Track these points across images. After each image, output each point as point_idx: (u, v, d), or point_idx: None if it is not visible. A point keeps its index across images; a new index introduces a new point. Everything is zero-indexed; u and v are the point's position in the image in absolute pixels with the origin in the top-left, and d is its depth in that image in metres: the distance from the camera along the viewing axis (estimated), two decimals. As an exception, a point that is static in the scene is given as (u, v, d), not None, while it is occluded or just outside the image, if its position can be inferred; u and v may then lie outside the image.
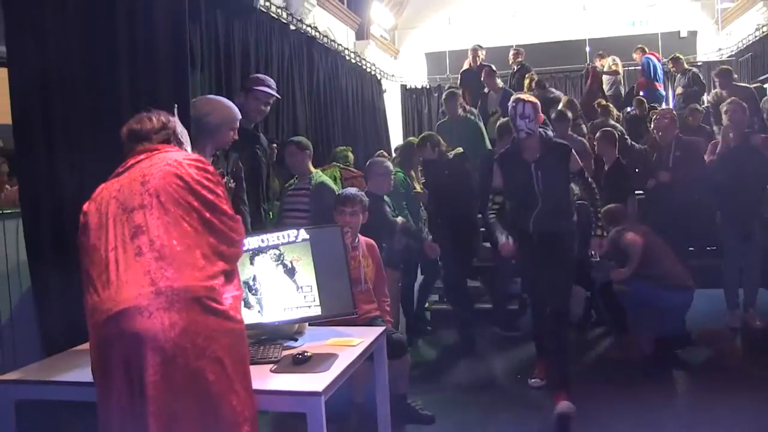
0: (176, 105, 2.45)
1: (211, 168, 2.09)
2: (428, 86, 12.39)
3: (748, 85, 7.41)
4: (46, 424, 2.71)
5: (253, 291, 2.70)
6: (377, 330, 2.86)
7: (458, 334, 5.48)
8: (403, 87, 12.18)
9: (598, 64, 9.58)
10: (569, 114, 6.12)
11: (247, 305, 2.68)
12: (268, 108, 4.04)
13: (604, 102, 7.49)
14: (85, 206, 2.05)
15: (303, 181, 4.77)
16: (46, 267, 3.01)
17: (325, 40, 8.29)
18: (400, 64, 13.02)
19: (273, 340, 2.73)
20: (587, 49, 12.55)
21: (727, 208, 5.32)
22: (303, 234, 2.75)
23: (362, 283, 3.79)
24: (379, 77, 10.85)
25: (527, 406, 4.10)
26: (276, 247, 2.74)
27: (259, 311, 2.69)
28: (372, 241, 3.96)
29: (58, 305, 2.93)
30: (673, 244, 4.77)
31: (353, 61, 9.48)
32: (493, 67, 8.50)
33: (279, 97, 4.26)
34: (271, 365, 2.38)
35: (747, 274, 5.32)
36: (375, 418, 2.94)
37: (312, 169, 4.85)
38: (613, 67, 9.37)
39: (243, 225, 2.16)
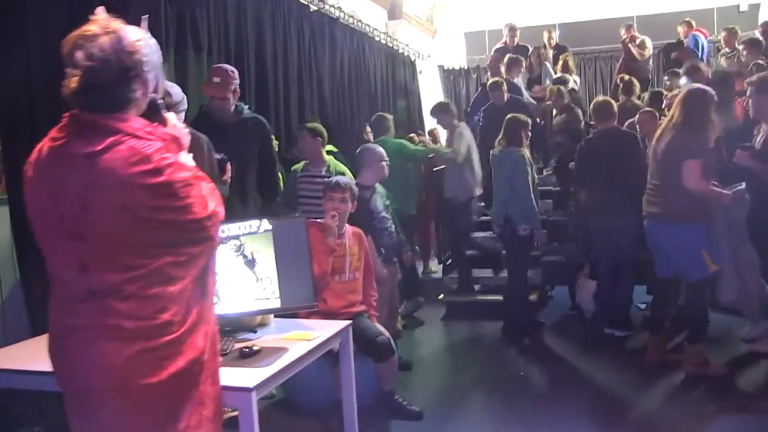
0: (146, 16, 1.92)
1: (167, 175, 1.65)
2: (467, 67, 12.24)
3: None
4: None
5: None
6: (340, 324, 2.86)
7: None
8: (441, 68, 12.05)
9: (625, 36, 9.16)
10: None
11: (205, 296, 2.71)
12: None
13: (627, 77, 7.17)
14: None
15: (316, 168, 4.83)
16: (34, 257, 3.13)
17: (351, 20, 8.25)
18: (438, 44, 12.86)
19: (234, 332, 2.77)
20: (635, 26, 12.13)
21: None
22: (265, 224, 2.77)
23: (346, 272, 3.79)
24: (413, 58, 10.76)
25: (522, 401, 4.05)
26: (237, 237, 2.76)
27: (216, 302, 2.72)
28: (360, 231, 3.95)
29: (45, 294, 3.05)
30: None
31: (383, 42, 9.42)
32: (520, 57, 8.19)
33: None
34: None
35: None
36: (363, 414, 2.98)
37: (326, 156, 4.91)
38: (640, 53, 8.91)
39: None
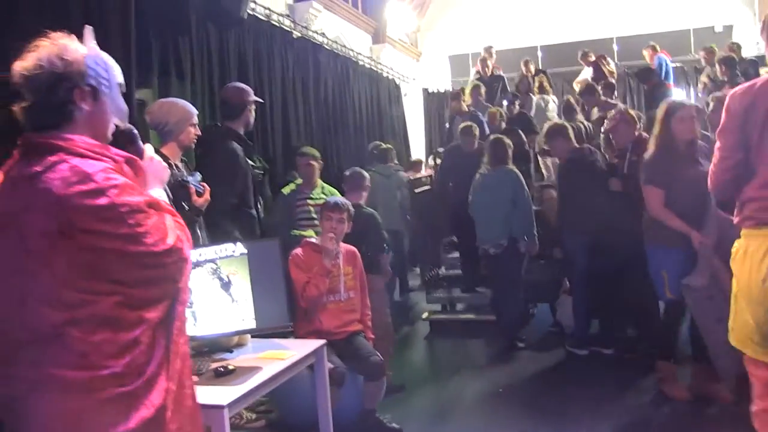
0: (90, 27, 1.73)
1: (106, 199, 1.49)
2: (451, 89, 12.39)
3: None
4: None
5: (189, 304, 2.81)
6: (315, 343, 2.94)
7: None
8: (425, 90, 12.23)
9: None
10: None
11: (182, 318, 2.80)
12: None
13: (572, 99, 7.65)
14: None
15: (310, 190, 5.07)
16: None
17: (334, 45, 8.41)
18: (423, 68, 13.08)
19: (212, 352, 2.85)
20: (615, 47, 12.40)
21: None
22: (241, 248, 2.87)
23: (341, 292, 3.89)
24: (397, 81, 10.94)
25: (503, 419, 4.12)
26: (213, 261, 2.86)
27: (193, 323, 2.81)
28: (354, 249, 4.05)
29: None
30: None
31: (368, 65, 9.59)
32: (459, 90, 8.77)
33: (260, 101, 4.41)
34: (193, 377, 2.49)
35: None
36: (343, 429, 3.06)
37: (318, 180, 5.17)
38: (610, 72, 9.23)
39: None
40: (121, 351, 1.49)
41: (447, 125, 8.98)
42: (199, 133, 3.51)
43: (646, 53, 9.64)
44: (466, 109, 8.16)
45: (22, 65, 1.54)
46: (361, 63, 9.29)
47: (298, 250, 3.84)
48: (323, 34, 8.11)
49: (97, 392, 1.47)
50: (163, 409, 1.55)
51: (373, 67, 9.85)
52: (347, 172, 4.97)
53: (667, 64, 9.20)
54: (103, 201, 1.47)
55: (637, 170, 4.26)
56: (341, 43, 8.94)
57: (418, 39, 13.25)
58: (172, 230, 1.59)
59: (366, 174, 4.89)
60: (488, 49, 9.83)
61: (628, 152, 4.69)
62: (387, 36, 11.31)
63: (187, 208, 3.39)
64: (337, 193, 4.93)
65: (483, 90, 8.70)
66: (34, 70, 1.53)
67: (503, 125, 7.49)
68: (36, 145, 1.53)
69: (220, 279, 2.84)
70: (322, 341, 3.00)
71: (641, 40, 10.87)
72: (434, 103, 12.21)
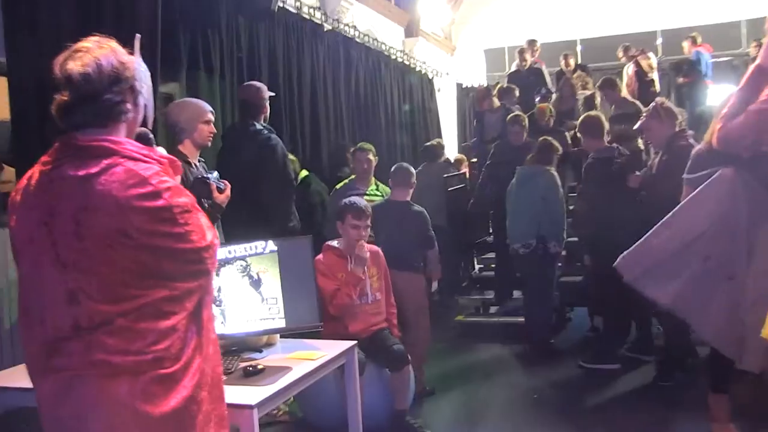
0: (139, 35, 1.86)
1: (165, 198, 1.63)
2: (486, 84, 12.34)
3: None
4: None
5: (217, 302, 2.86)
6: (346, 344, 2.97)
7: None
8: (459, 86, 12.20)
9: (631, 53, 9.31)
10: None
11: (211, 316, 2.85)
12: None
13: (597, 95, 7.58)
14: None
15: (365, 187, 5.19)
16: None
17: (366, 39, 8.44)
18: (457, 62, 13.03)
19: (241, 351, 2.90)
20: (659, 41, 12.22)
21: None
22: (271, 245, 2.91)
23: (368, 295, 3.93)
24: (431, 76, 10.93)
25: (536, 427, 4.11)
26: (243, 258, 2.90)
27: (222, 322, 2.86)
28: (377, 248, 4.09)
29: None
30: None
31: (400, 60, 9.60)
32: (490, 88, 8.69)
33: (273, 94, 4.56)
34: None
35: None
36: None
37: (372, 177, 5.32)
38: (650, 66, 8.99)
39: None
40: (162, 337, 1.62)
41: (474, 122, 8.95)
42: (214, 131, 3.59)
43: (685, 45, 9.47)
44: (498, 104, 8.06)
45: (78, 63, 1.61)
46: (393, 57, 9.30)
47: (320, 257, 3.81)
48: (354, 27, 8.14)
49: (141, 375, 1.59)
50: (199, 389, 1.69)
51: (405, 62, 9.86)
52: (393, 168, 4.97)
53: (705, 59, 9.02)
54: (160, 203, 1.60)
55: (668, 172, 4.17)
56: (373, 37, 8.96)
57: (453, 32, 13.21)
58: (208, 228, 1.74)
59: (412, 169, 4.90)
60: (531, 42, 9.75)
61: (661, 152, 4.58)
62: (420, 29, 11.29)
63: (207, 205, 3.47)
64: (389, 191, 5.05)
65: (516, 92, 8.70)
66: (95, 69, 1.62)
67: (551, 123, 7.32)
68: (87, 148, 1.63)
69: (250, 277, 2.89)
70: (352, 342, 3.03)
71: (687, 33, 10.70)
72: (468, 98, 12.18)
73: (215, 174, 3.66)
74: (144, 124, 1.85)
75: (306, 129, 6.62)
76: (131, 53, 1.74)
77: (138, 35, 1.82)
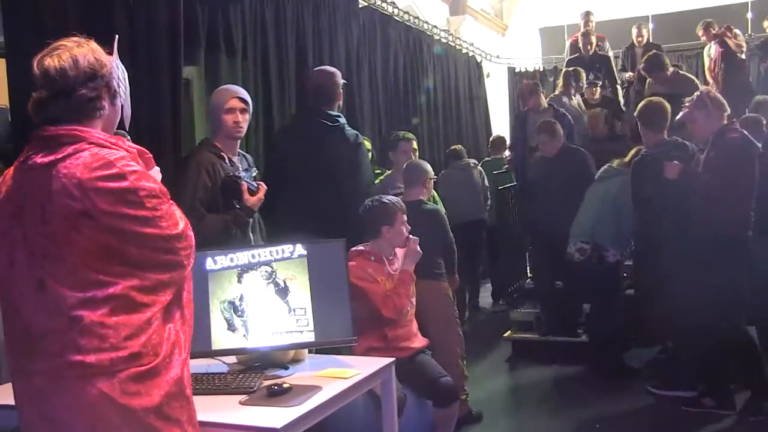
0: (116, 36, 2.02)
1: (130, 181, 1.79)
2: (542, 68, 12.28)
3: None
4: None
5: (239, 312, 2.88)
6: (382, 361, 2.96)
7: None
8: (511, 70, 12.14)
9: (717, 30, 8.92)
10: None
11: (232, 328, 2.87)
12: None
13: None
14: None
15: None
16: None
17: (406, 17, 8.44)
18: (509, 43, 12.97)
19: (265, 368, 2.91)
20: (749, 15, 11.93)
21: None
22: (300, 249, 2.92)
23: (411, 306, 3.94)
24: (479, 59, 10.90)
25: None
26: (268, 263, 2.92)
27: (244, 335, 2.87)
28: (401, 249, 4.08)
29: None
30: None
31: (445, 40, 9.59)
32: (538, 82, 8.01)
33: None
34: (243, 396, 2.55)
35: None
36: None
37: None
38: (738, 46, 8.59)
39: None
40: (137, 332, 1.78)
41: (513, 124, 8.20)
42: (239, 119, 3.57)
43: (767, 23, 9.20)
44: (545, 105, 7.35)
45: (55, 60, 1.82)
46: (437, 37, 9.29)
47: (352, 264, 3.73)
48: (393, 4, 8.15)
49: (118, 373, 1.75)
50: (181, 380, 1.87)
51: (450, 42, 9.84)
52: (404, 166, 5.00)
53: None
54: (125, 184, 1.78)
55: (716, 170, 4.25)
56: (414, 15, 8.96)
57: (504, 9, 13.18)
58: (181, 217, 1.91)
59: (427, 167, 4.90)
60: (586, 17, 9.26)
61: (707, 147, 4.52)
62: (468, 6, 11.29)
63: (237, 207, 3.50)
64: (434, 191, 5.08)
65: (583, 77, 8.20)
66: (71, 65, 1.82)
67: (607, 131, 7.07)
68: (54, 136, 1.82)
69: (276, 284, 2.90)
70: (390, 359, 3.02)
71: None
72: (522, 84, 12.09)
73: (252, 172, 3.70)
74: (121, 125, 2.01)
75: (357, 118, 6.65)
76: (110, 53, 1.93)
77: (116, 35, 2.00)
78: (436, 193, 5.35)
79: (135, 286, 1.79)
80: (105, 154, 1.79)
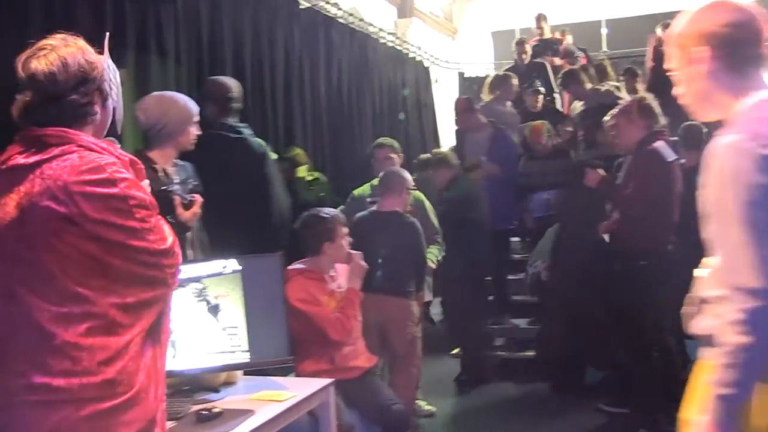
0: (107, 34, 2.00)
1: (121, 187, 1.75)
2: (494, 73, 12.37)
3: None
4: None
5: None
6: (320, 382, 2.96)
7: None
8: (461, 75, 12.25)
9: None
10: None
11: (159, 349, 2.83)
12: None
13: None
14: None
15: None
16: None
17: (350, 19, 8.47)
18: (459, 47, 13.10)
19: (194, 392, 2.88)
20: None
21: None
22: (233, 264, 2.90)
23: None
24: (427, 64, 10.99)
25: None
26: (198, 279, 2.88)
27: (172, 356, 2.83)
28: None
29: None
30: None
31: (391, 44, 9.65)
32: (472, 99, 7.47)
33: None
34: (170, 423, 2.50)
35: None
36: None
37: None
38: None
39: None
40: (113, 356, 1.69)
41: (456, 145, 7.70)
42: (199, 132, 3.55)
43: None
44: (484, 121, 6.93)
45: (43, 62, 1.75)
46: (382, 41, 9.36)
47: (291, 284, 3.69)
48: (336, 5, 8.17)
49: (86, 403, 1.65)
50: (153, 423, 1.77)
51: (397, 46, 9.91)
52: (383, 172, 5.01)
53: None
54: (114, 190, 1.71)
55: (632, 181, 4.38)
56: (358, 17, 9.00)
57: (454, 12, 13.29)
58: (169, 233, 1.86)
59: (406, 175, 4.92)
60: (541, 17, 9.67)
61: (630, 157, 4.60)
62: (415, 8, 11.36)
63: (171, 222, 3.45)
64: (423, 197, 5.16)
65: (514, 81, 8.01)
66: (60, 69, 1.75)
67: (551, 144, 6.63)
68: (40, 137, 1.76)
69: (207, 302, 2.87)
70: (328, 380, 3.01)
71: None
72: (472, 90, 12.20)
73: (189, 184, 3.64)
74: (113, 128, 1.95)
75: (279, 125, 6.63)
76: (100, 53, 1.87)
77: (107, 33, 1.94)
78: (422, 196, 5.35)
79: (116, 303, 1.71)
80: (95, 158, 1.74)
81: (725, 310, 1.66)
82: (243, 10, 6.22)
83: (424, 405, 5.14)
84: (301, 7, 7.31)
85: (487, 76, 11.65)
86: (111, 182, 1.72)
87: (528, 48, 9.21)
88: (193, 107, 3.53)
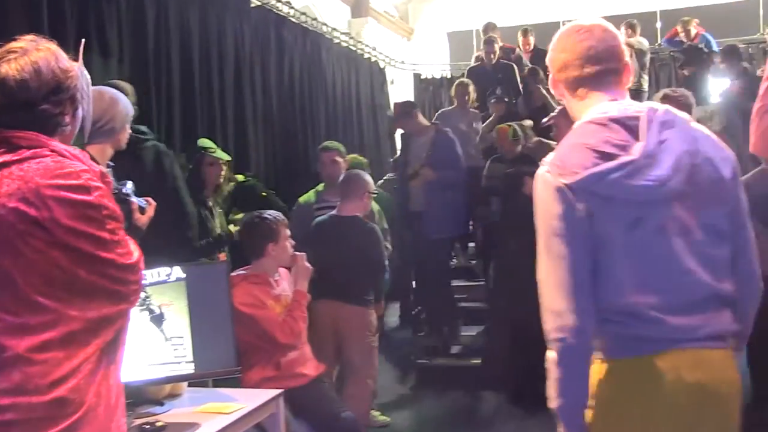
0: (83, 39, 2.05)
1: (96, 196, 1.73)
2: (450, 75, 12.52)
3: None
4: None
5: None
6: (268, 393, 2.95)
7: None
8: (417, 76, 12.31)
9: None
10: None
11: (100, 360, 2.80)
12: None
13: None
14: None
15: (334, 198, 5.04)
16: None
17: (303, 18, 8.47)
18: (414, 48, 13.17)
19: (137, 404, 2.85)
20: (658, 24, 12.53)
21: None
22: (177, 272, 2.88)
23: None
24: (382, 65, 11.03)
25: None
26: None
27: (114, 368, 2.80)
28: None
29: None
30: None
31: (345, 44, 9.67)
32: (409, 104, 7.18)
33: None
34: (111, 437, 2.48)
35: None
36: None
37: None
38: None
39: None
40: (67, 374, 1.64)
41: (399, 152, 7.57)
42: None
43: (686, 28, 9.76)
44: (426, 124, 6.78)
45: (13, 67, 1.70)
46: (336, 41, 9.37)
47: (234, 291, 3.58)
48: (288, 4, 8.16)
49: (33, 425, 1.59)
50: None
51: (351, 46, 9.93)
52: (343, 175, 5.01)
53: (714, 46, 9.32)
54: (88, 198, 1.68)
55: None
56: (311, 16, 9.00)
57: (410, 12, 13.36)
58: (135, 248, 1.82)
59: (367, 179, 4.91)
60: (489, 36, 9.26)
61: None
62: (370, 8, 11.40)
63: (127, 228, 3.40)
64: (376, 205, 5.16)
65: (471, 89, 7.94)
66: (33, 76, 1.71)
67: (518, 149, 6.35)
68: (9, 138, 1.71)
69: (150, 311, 2.85)
70: (277, 390, 3.01)
71: (691, 14, 10.95)
72: (428, 92, 12.30)
73: (129, 185, 3.60)
74: (80, 138, 1.92)
75: (229, 128, 6.60)
76: (74, 59, 1.83)
77: (83, 40, 1.94)
78: (377, 206, 5.37)
79: (75, 317, 1.66)
80: (69, 164, 1.70)
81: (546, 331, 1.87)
82: (190, 7, 6.18)
83: (378, 416, 5.13)
84: (251, 5, 7.28)
85: (442, 77, 11.86)
86: (85, 189, 1.68)
87: (497, 48, 9.08)
88: (130, 106, 3.46)
